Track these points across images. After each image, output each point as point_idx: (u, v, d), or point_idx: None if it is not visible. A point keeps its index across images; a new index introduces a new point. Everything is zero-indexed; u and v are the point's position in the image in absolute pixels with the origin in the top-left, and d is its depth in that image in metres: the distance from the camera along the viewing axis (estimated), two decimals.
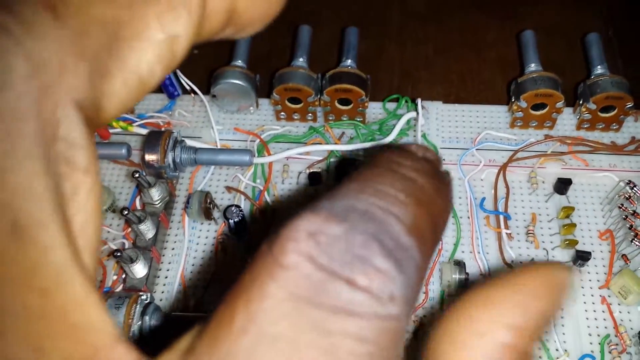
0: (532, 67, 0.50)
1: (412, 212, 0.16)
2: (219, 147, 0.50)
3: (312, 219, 0.14)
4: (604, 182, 0.48)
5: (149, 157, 0.46)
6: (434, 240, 0.17)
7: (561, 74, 0.56)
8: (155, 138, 0.47)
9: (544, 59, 0.56)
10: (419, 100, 0.50)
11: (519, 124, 0.50)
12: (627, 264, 0.43)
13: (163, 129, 0.51)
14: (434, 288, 0.44)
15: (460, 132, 0.52)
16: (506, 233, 0.45)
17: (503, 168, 0.48)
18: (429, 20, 0.62)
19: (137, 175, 0.42)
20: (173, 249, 0.46)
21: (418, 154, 0.20)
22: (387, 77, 0.58)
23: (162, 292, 0.44)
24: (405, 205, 0.16)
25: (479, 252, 0.45)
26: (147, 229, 0.43)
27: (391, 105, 0.53)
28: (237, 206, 0.45)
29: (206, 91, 0.53)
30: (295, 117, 0.52)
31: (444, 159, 0.50)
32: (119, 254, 0.39)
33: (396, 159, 0.19)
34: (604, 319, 0.42)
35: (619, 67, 0.58)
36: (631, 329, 0.42)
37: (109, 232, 0.47)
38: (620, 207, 0.45)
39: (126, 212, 0.41)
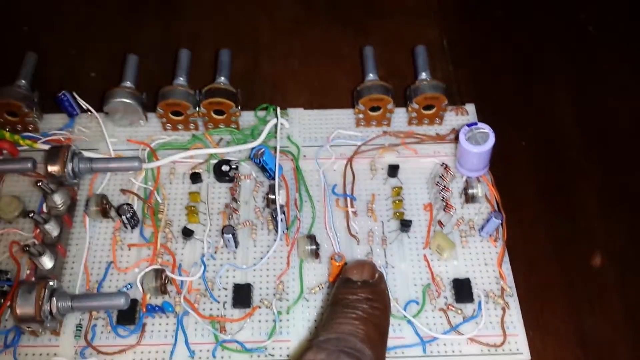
0: (370, 76, 0.61)
1: (361, 328, 0.40)
2: (113, 156, 0.59)
3: (309, 355, 0.38)
4: (428, 166, 0.60)
5: (51, 168, 0.55)
6: (381, 335, 0.42)
7: (401, 79, 0.68)
8: (55, 152, 0.55)
9: (387, 66, 0.68)
10: (278, 108, 0.61)
11: (362, 123, 0.62)
12: (441, 227, 0.55)
13: (64, 144, 0.60)
14: (294, 258, 0.54)
15: (317, 132, 0.63)
16: (352, 211, 0.57)
17: (350, 160, 0.60)
18: (294, 35, 0.73)
19: (39, 184, 0.51)
20: (77, 245, 0.55)
21: (358, 280, 0.44)
22: (260, 88, 0.68)
23: (69, 281, 0.53)
24: (356, 326, 0.40)
25: (331, 228, 0.56)
26: (52, 228, 0.52)
27: (263, 113, 0.64)
28: (129, 204, 0.54)
29: (100, 109, 0.62)
30: (180, 127, 0.62)
31: (304, 156, 0.60)
32: (27, 248, 0.48)
33: (345, 295, 0.43)
34: (426, 272, 0.54)
35: (449, 70, 0.70)
36: (447, 278, 0.53)
37: (21, 234, 0.55)
38: (437, 185, 0.57)
39: (32, 214, 0.50)
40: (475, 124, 0.55)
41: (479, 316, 0.51)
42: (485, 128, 0.54)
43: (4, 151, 0.59)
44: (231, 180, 0.58)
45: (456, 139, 0.60)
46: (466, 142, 0.54)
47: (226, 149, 0.60)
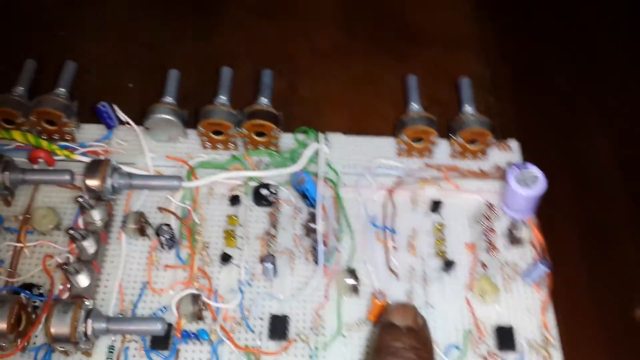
0: (414, 106, 0.61)
1: None
2: (152, 172, 0.58)
3: None
4: (471, 203, 0.59)
5: (90, 182, 0.53)
6: None
7: (445, 109, 0.67)
8: (96, 166, 0.54)
9: (430, 96, 0.67)
10: (321, 135, 0.60)
11: (404, 154, 0.61)
12: (485, 270, 0.54)
13: (102, 157, 0.59)
14: (332, 291, 0.53)
15: (357, 160, 0.61)
16: (392, 245, 0.55)
17: (391, 191, 0.59)
18: (334, 61, 0.72)
19: (80, 199, 0.50)
20: (112, 262, 0.53)
21: (402, 326, 0.43)
22: (299, 110, 0.67)
23: (102, 300, 0.52)
24: None
25: (370, 261, 0.55)
26: (90, 245, 0.51)
27: (302, 136, 0.63)
28: (168, 225, 0.53)
29: (140, 122, 0.60)
30: (219, 146, 0.61)
31: (344, 184, 0.59)
32: (66, 266, 0.47)
33: (390, 342, 0.42)
34: (467, 316, 0.52)
35: (490, 103, 0.69)
36: (489, 324, 0.52)
37: (55, 247, 0.54)
38: (481, 224, 0.56)
39: (71, 231, 0.48)
40: (525, 165, 0.53)
41: None
42: (534, 171, 0.53)
43: (40, 160, 0.57)
44: (269, 204, 0.57)
45: (500, 177, 0.59)
46: (516, 184, 0.53)
47: (266, 173, 0.59)
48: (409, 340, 0.42)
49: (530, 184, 0.53)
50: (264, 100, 0.60)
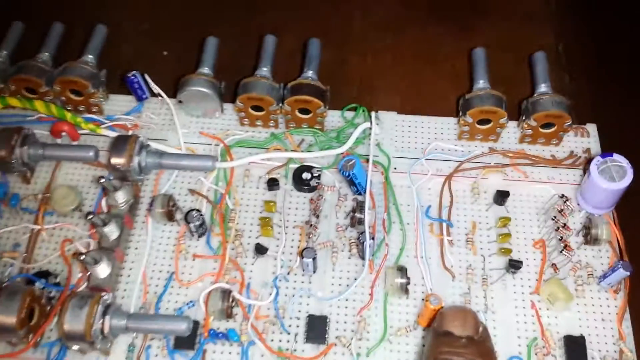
0: (480, 83, 0.53)
1: None
2: (183, 150, 0.53)
3: None
4: (541, 194, 0.51)
5: (116, 161, 0.48)
6: None
7: (510, 87, 0.59)
8: (122, 142, 0.49)
9: (495, 72, 0.60)
10: (373, 113, 0.54)
11: (465, 137, 0.54)
12: (556, 272, 0.47)
13: (130, 131, 0.54)
14: (378, 290, 0.47)
15: (412, 142, 0.55)
16: (447, 240, 0.49)
17: (449, 178, 0.52)
18: (388, 31, 0.65)
19: (102, 180, 0.45)
20: (136, 248, 0.49)
21: (461, 336, 0.37)
22: (348, 86, 0.61)
23: (125, 290, 0.47)
24: None
25: (421, 257, 0.48)
26: (111, 232, 0.46)
27: (350, 114, 0.56)
28: (198, 210, 0.48)
29: (173, 95, 0.55)
30: (258, 123, 0.55)
31: (394, 168, 0.53)
32: (82, 256, 0.42)
33: (447, 356, 0.36)
34: (533, 323, 0.46)
35: (565, 81, 0.61)
36: (557, 332, 0.45)
37: (75, 231, 0.49)
38: (553, 219, 0.49)
39: (91, 217, 0.44)
40: (611, 155, 0.46)
41: None
42: (622, 161, 0.46)
43: (64, 134, 0.53)
44: (312, 190, 0.51)
45: (576, 165, 0.52)
46: (598, 175, 0.45)
47: (309, 154, 0.53)
48: (470, 354, 0.36)
49: (616, 177, 0.45)
50: (309, 74, 0.54)
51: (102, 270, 0.44)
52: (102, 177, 0.45)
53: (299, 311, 0.46)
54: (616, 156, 0.46)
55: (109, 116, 0.55)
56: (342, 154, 0.53)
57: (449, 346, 0.36)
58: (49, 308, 0.44)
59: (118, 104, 0.57)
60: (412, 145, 0.55)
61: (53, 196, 0.49)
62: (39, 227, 0.49)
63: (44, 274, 0.46)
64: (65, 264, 0.47)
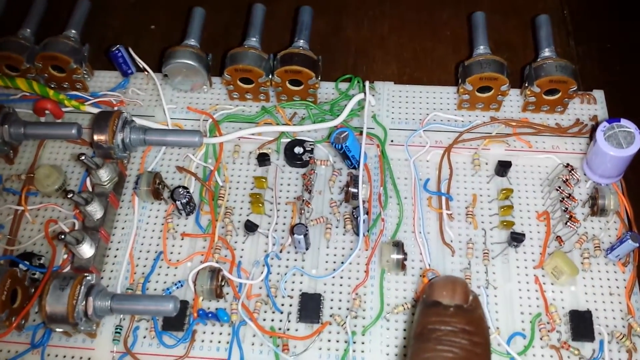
0: (481, 49, 0.51)
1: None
2: (170, 126, 0.51)
3: None
4: (545, 164, 0.49)
5: (98, 137, 0.47)
6: None
7: (513, 53, 0.57)
8: (104, 118, 0.47)
9: (498, 39, 0.57)
10: (367, 83, 0.51)
11: (466, 106, 0.51)
12: (561, 245, 0.45)
13: (115, 107, 0.52)
14: (374, 267, 0.45)
15: (409, 113, 0.53)
16: (447, 214, 0.47)
17: (448, 149, 0.50)
18: None
19: (82, 157, 0.43)
20: (123, 228, 0.47)
21: (450, 305, 0.33)
22: (343, 55, 0.59)
23: (112, 271, 0.45)
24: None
25: (420, 232, 0.46)
26: (95, 211, 0.44)
27: (344, 85, 0.54)
28: (185, 187, 0.46)
29: (159, 69, 0.53)
30: (248, 97, 0.53)
31: (391, 140, 0.51)
32: (63, 236, 0.40)
33: (435, 325, 0.32)
34: (537, 298, 0.44)
35: (570, 46, 0.59)
36: (562, 308, 0.43)
37: (60, 211, 0.48)
38: (558, 190, 0.46)
39: (71, 195, 0.42)
40: (618, 120, 0.43)
41: (599, 359, 0.41)
42: (630, 127, 0.43)
43: (47, 112, 0.51)
44: (304, 165, 0.49)
45: (582, 133, 0.49)
46: (605, 142, 0.43)
47: (301, 127, 0.51)
48: (459, 322, 0.33)
49: (624, 143, 0.43)
50: (300, 43, 0.52)
51: (86, 250, 0.43)
52: (82, 154, 0.43)
53: (292, 289, 0.44)
54: (624, 121, 0.43)
55: (94, 93, 0.53)
56: (335, 126, 0.50)
57: (438, 315, 0.34)
58: (32, 290, 0.42)
59: (103, 81, 0.55)
60: (409, 116, 0.52)
61: (35, 176, 0.47)
62: (22, 208, 0.47)
63: (28, 256, 0.45)
64: (49, 244, 0.45)
